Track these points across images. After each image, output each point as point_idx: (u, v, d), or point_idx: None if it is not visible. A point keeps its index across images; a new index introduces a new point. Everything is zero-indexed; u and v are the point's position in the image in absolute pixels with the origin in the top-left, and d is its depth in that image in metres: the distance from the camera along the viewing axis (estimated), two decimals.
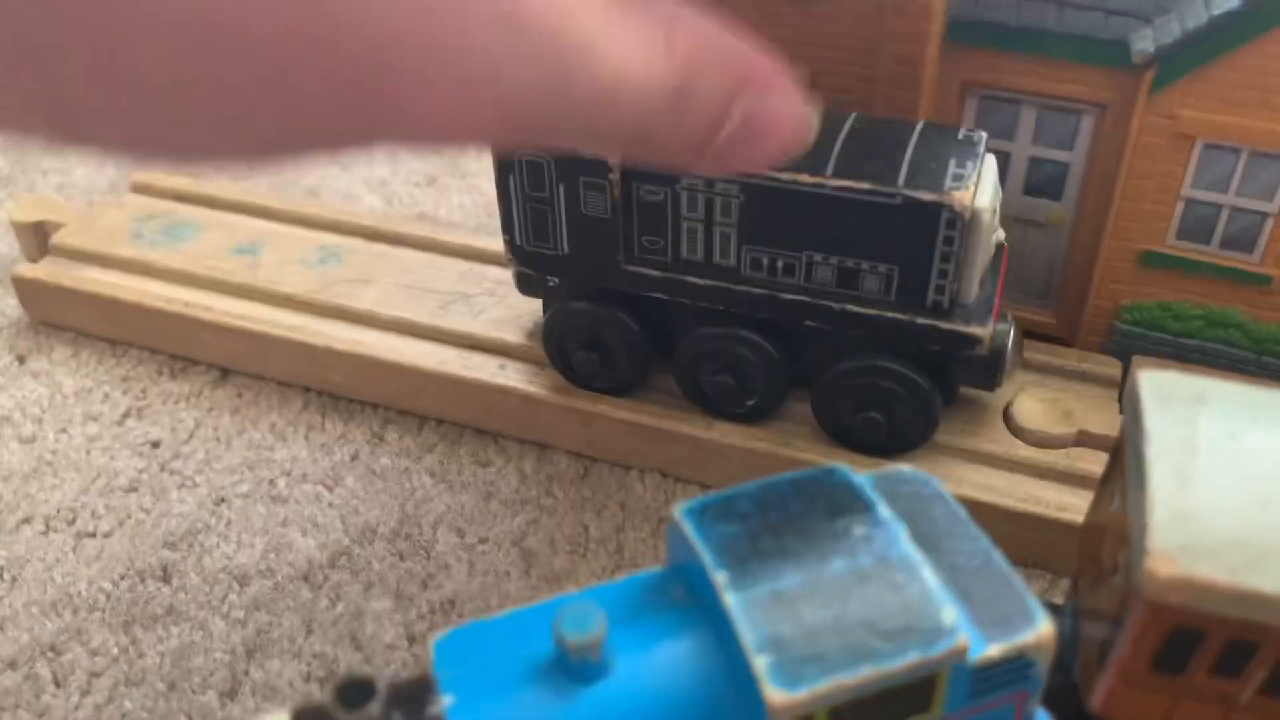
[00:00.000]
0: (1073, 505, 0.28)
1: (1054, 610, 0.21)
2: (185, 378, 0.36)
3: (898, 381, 0.29)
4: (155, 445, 0.34)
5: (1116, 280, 0.32)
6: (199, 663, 0.28)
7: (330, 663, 0.28)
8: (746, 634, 0.17)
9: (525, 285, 0.33)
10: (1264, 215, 0.29)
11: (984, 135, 0.27)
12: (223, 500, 0.32)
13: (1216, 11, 0.27)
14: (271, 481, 0.33)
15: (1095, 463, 0.29)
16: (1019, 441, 0.30)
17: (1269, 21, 0.26)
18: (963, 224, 0.26)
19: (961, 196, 0.26)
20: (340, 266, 0.38)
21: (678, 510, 0.19)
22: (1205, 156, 0.29)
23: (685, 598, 0.20)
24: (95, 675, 0.28)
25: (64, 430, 0.34)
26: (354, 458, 0.33)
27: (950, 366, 0.29)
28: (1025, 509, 0.28)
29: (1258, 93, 0.27)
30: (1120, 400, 0.31)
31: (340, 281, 0.37)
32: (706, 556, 0.18)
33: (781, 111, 0.23)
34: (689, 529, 0.19)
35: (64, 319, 0.38)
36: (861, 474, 0.20)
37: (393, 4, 0.14)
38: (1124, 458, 0.20)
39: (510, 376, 0.33)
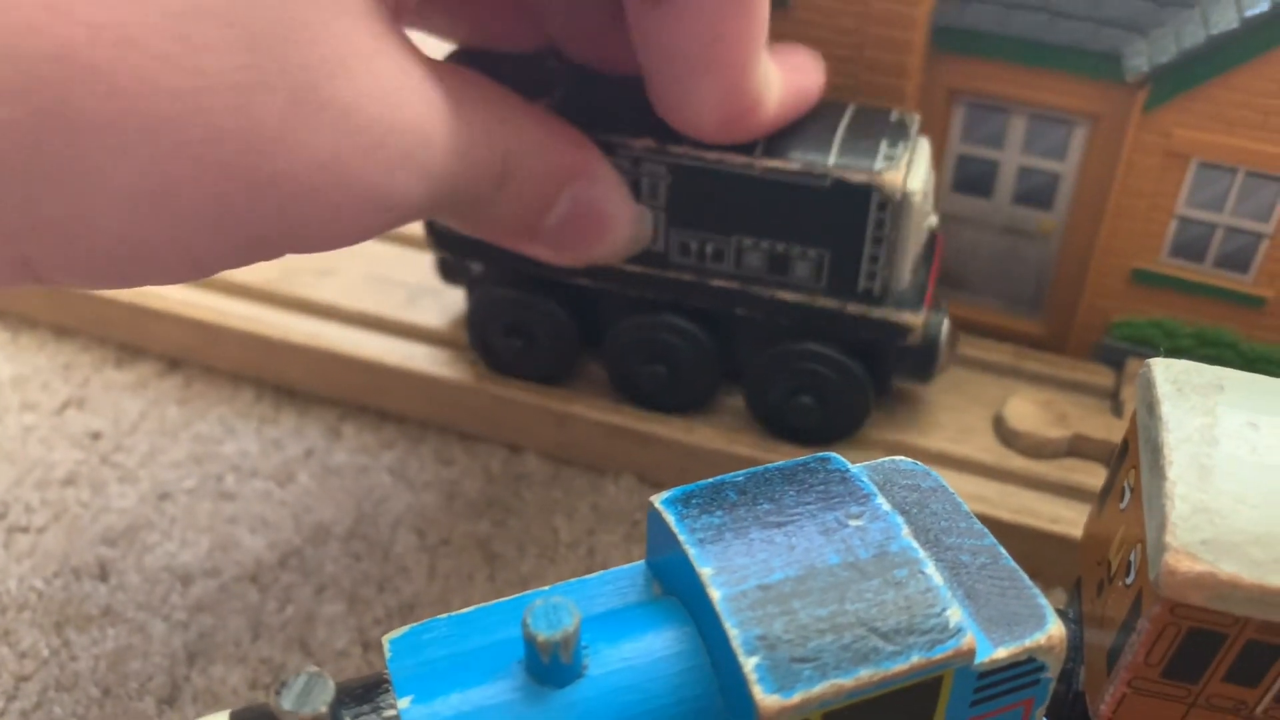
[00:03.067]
0: (1065, 518, 0.27)
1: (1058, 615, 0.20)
2: (130, 367, 0.34)
3: (829, 366, 0.28)
4: (96, 437, 0.32)
5: (1107, 296, 0.30)
6: (136, 667, 0.26)
7: (278, 668, 0.26)
8: (735, 633, 0.15)
9: (448, 272, 0.32)
10: (1259, 236, 0.28)
11: (917, 117, 0.27)
12: (166, 495, 0.30)
13: (1215, 31, 0.26)
14: (219, 477, 0.31)
15: (1089, 474, 0.28)
16: (1010, 452, 0.29)
17: (1269, 42, 0.25)
18: (893, 206, 0.25)
19: (892, 178, 0.25)
20: (301, 255, 0.36)
21: (659, 499, 0.18)
22: (1200, 175, 0.28)
23: (665, 594, 0.18)
24: (23, 679, 0.26)
25: None
26: (308, 454, 0.32)
27: (884, 357, 0.28)
28: (1018, 521, 0.27)
29: (1255, 113, 0.26)
30: (1113, 405, 0.30)
31: (301, 271, 0.35)
32: (691, 549, 0.17)
33: (609, 203, 0.24)
34: (671, 519, 0.17)
35: (5, 304, 0.36)
36: (856, 465, 0.19)
37: (310, 158, 0.17)
38: (1135, 451, 0.19)
39: (482, 375, 0.32)
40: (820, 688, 0.15)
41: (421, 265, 0.36)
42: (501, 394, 0.31)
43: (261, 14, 0.16)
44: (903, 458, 0.19)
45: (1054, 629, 0.16)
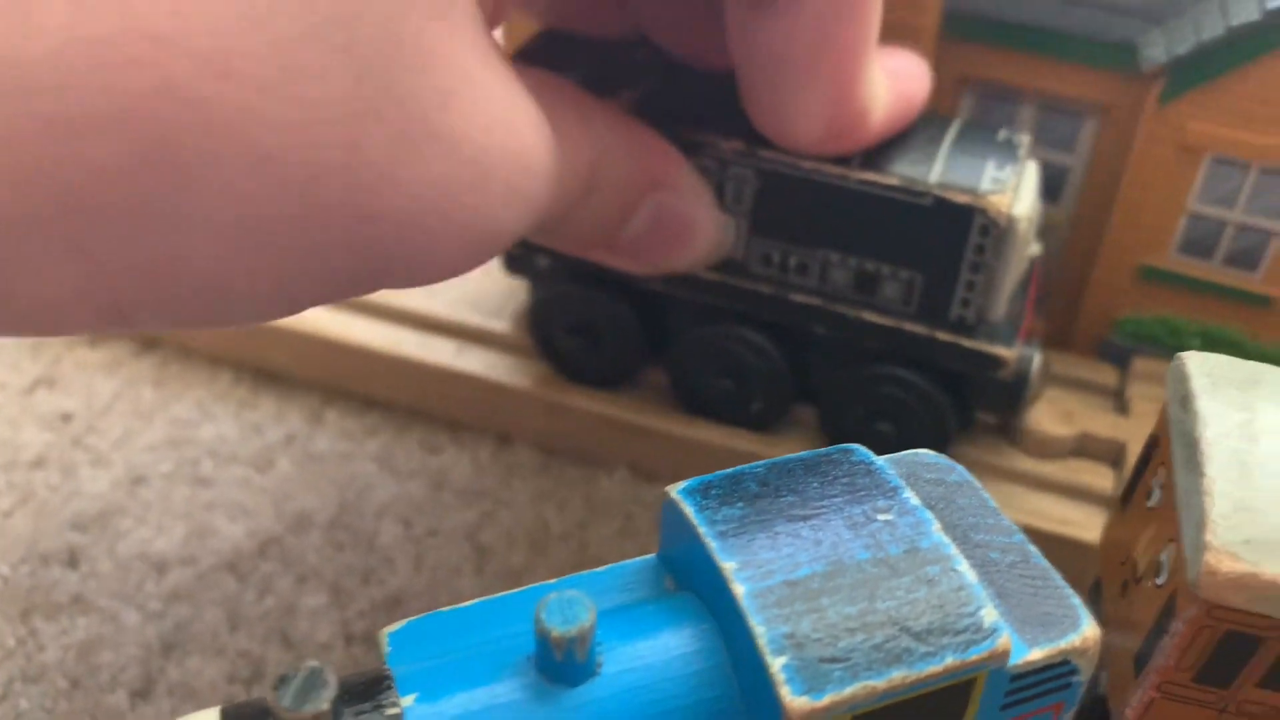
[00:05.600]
0: (1074, 519, 0.26)
1: None
2: (104, 346, 0.33)
3: (913, 394, 0.27)
4: (67, 418, 0.30)
5: (1113, 292, 0.30)
6: (108, 658, 0.25)
7: (257, 661, 0.25)
8: (761, 631, 0.15)
9: (513, 263, 0.30)
10: (1269, 234, 0.28)
11: (1026, 138, 0.25)
12: (140, 480, 0.29)
13: (1235, 22, 0.25)
14: (196, 462, 0.30)
15: (1096, 475, 0.27)
16: (1017, 452, 0.28)
17: None
18: (997, 232, 0.24)
19: (998, 201, 0.23)
20: None
21: (675, 489, 0.17)
22: (1213, 171, 0.27)
23: (680, 589, 0.17)
24: None
25: None
26: (289, 439, 0.30)
27: (969, 387, 0.27)
28: (1026, 523, 0.26)
29: (1273, 108, 0.26)
30: (1116, 403, 0.29)
31: None
32: (712, 542, 0.16)
33: (691, 212, 0.23)
34: (689, 510, 0.16)
35: None
36: (879, 457, 0.18)
37: (417, 193, 0.16)
38: (1165, 447, 0.18)
39: (470, 361, 0.31)
40: (851, 689, 0.14)
41: None
42: (490, 380, 0.30)
43: (372, 37, 0.15)
44: (926, 450, 0.19)
45: (1089, 630, 0.16)
